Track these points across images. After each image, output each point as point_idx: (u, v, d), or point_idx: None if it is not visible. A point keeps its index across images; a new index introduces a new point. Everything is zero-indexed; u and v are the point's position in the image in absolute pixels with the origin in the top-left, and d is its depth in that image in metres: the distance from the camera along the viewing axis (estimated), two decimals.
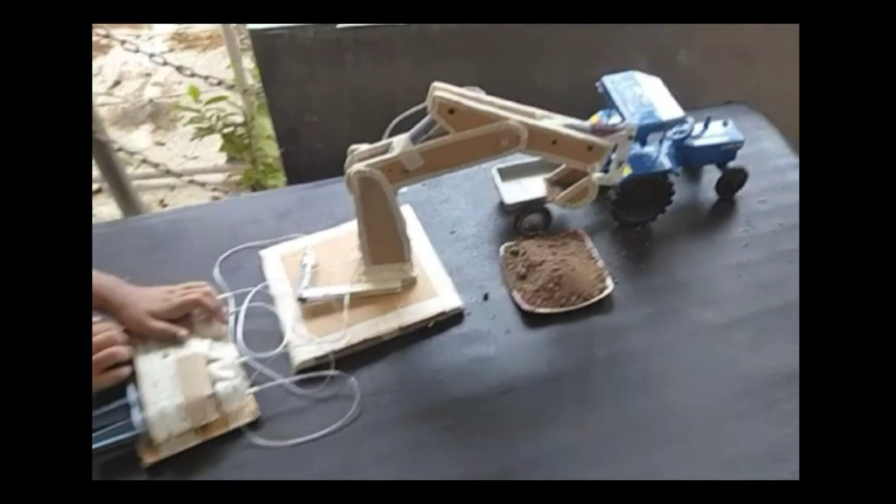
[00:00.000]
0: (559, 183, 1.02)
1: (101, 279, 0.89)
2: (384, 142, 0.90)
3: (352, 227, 1.00)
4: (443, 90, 0.82)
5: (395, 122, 0.88)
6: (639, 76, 1.07)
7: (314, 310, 0.96)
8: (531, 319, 0.98)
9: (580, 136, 0.88)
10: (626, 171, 1.03)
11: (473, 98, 0.84)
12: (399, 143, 0.88)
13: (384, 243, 0.95)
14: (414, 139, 0.87)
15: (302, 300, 0.94)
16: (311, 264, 0.99)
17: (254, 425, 0.85)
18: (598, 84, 1.06)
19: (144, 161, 1.90)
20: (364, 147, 0.90)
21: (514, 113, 0.86)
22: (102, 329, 0.85)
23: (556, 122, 0.89)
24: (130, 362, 0.85)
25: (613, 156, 0.93)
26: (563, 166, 1.00)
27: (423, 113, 0.85)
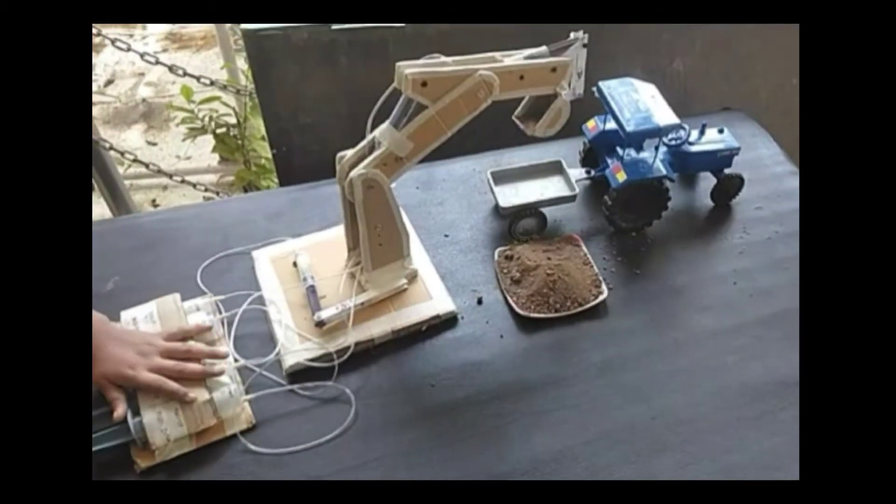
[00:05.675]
0: (528, 116, 0.96)
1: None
2: (366, 141, 0.88)
3: (341, 231, 0.99)
4: (409, 66, 0.81)
5: (371, 117, 0.86)
6: (635, 82, 1.06)
7: (305, 312, 0.95)
8: (525, 324, 0.97)
9: (543, 61, 0.87)
10: (622, 176, 1.03)
11: (438, 64, 0.83)
12: (383, 134, 0.86)
13: (385, 244, 0.94)
14: (396, 125, 0.85)
15: (320, 324, 0.92)
16: (310, 277, 0.97)
17: (248, 431, 0.84)
18: (594, 88, 1.06)
19: (136, 160, 1.89)
20: (351, 152, 0.89)
21: (479, 64, 0.84)
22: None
23: (516, 58, 0.87)
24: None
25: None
26: (524, 101, 0.96)
27: (395, 98, 0.84)
